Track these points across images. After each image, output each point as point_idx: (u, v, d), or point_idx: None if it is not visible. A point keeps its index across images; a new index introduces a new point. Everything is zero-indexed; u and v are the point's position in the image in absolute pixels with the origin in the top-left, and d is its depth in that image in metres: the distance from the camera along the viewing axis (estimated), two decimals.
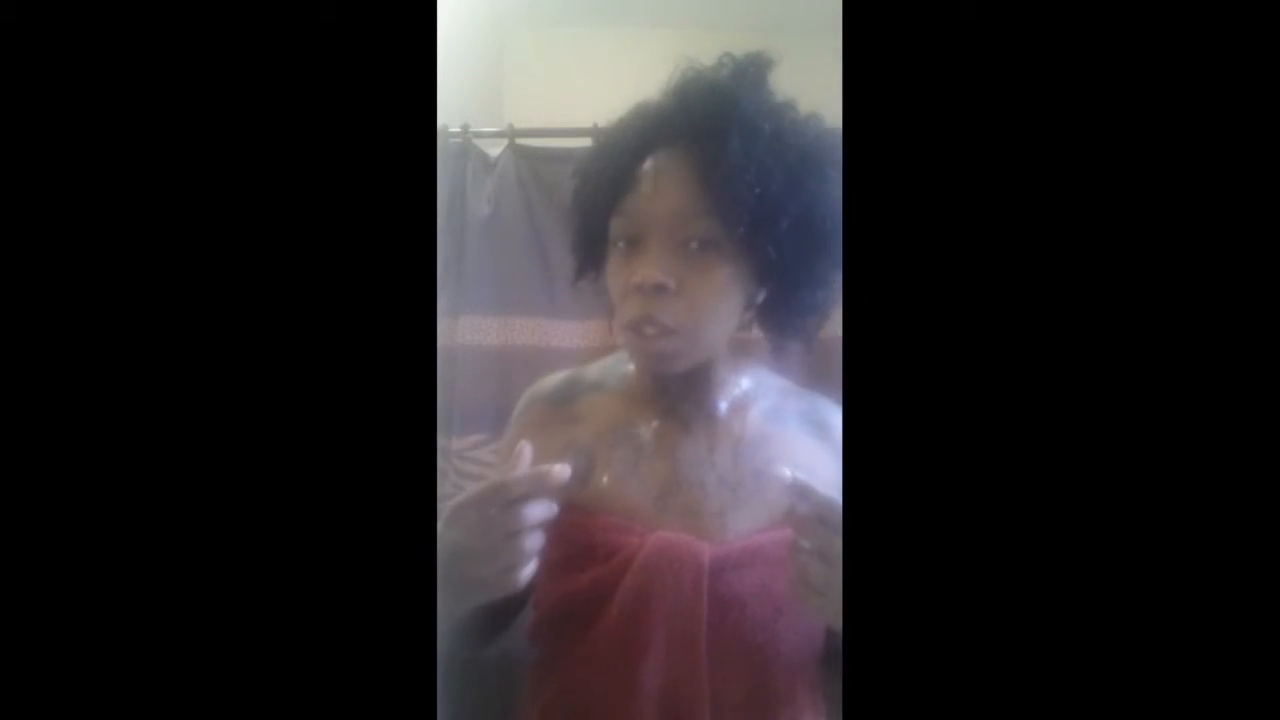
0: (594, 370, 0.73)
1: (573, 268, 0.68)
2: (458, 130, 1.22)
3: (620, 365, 0.72)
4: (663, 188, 0.58)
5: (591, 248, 0.65)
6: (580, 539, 0.61)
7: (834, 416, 0.68)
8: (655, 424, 0.66)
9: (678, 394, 0.65)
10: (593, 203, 0.62)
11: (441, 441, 1.18)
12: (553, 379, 0.73)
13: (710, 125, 0.56)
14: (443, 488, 1.17)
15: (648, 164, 0.59)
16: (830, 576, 0.48)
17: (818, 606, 0.50)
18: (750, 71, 0.60)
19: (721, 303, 0.59)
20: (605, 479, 0.63)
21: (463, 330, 1.20)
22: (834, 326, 0.60)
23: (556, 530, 0.61)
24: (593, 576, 0.59)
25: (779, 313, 0.63)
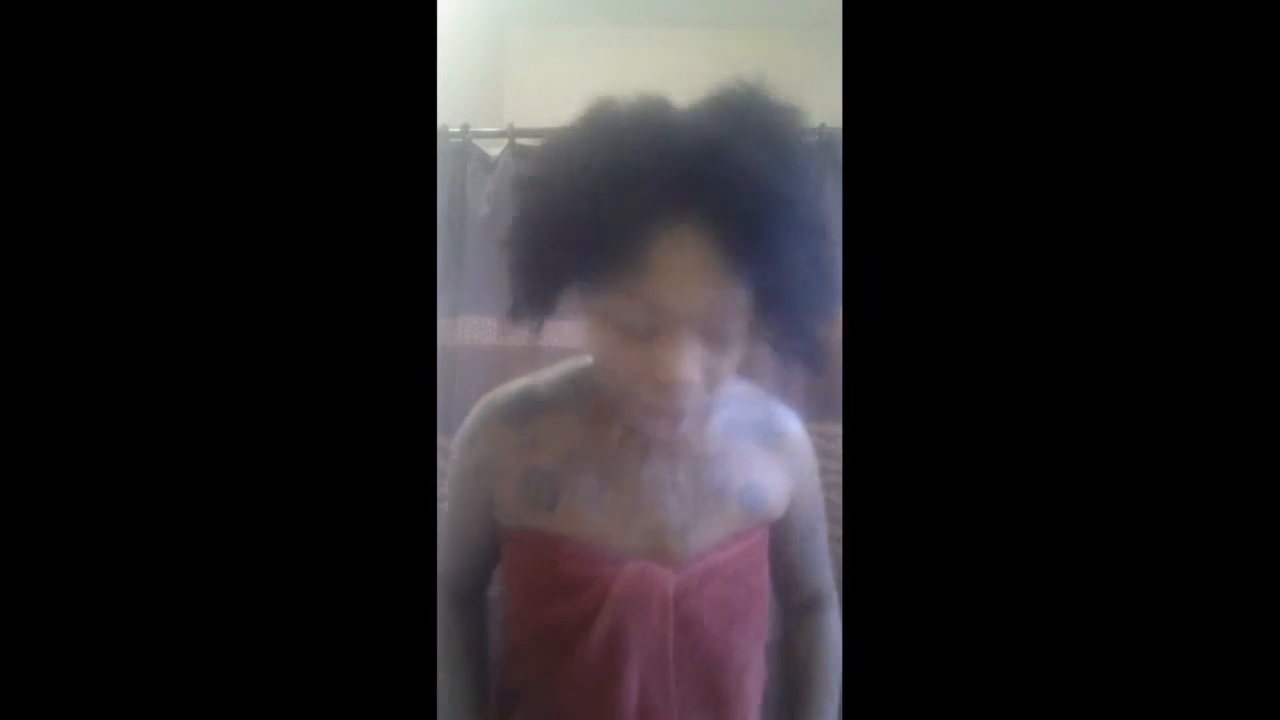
0: (548, 384, 0.69)
1: (513, 309, 0.60)
2: (458, 130, 1.22)
3: (575, 379, 0.68)
4: (689, 276, 0.50)
5: (550, 302, 0.58)
6: (551, 570, 0.62)
7: (791, 425, 0.71)
8: (617, 445, 0.63)
9: (646, 416, 0.60)
10: (572, 270, 0.54)
11: (441, 441, 1.18)
12: (506, 394, 0.69)
13: (728, 192, 0.48)
14: (443, 488, 1.17)
15: (662, 247, 0.50)
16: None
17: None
18: (746, 109, 0.53)
19: (736, 362, 0.57)
20: (571, 506, 0.62)
21: (463, 330, 1.20)
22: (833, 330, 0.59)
23: (526, 560, 0.64)
24: (567, 612, 0.62)
25: (781, 342, 0.59)
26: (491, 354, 1.19)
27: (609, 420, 0.64)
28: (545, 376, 0.70)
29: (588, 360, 0.67)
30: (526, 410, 0.67)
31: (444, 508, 0.72)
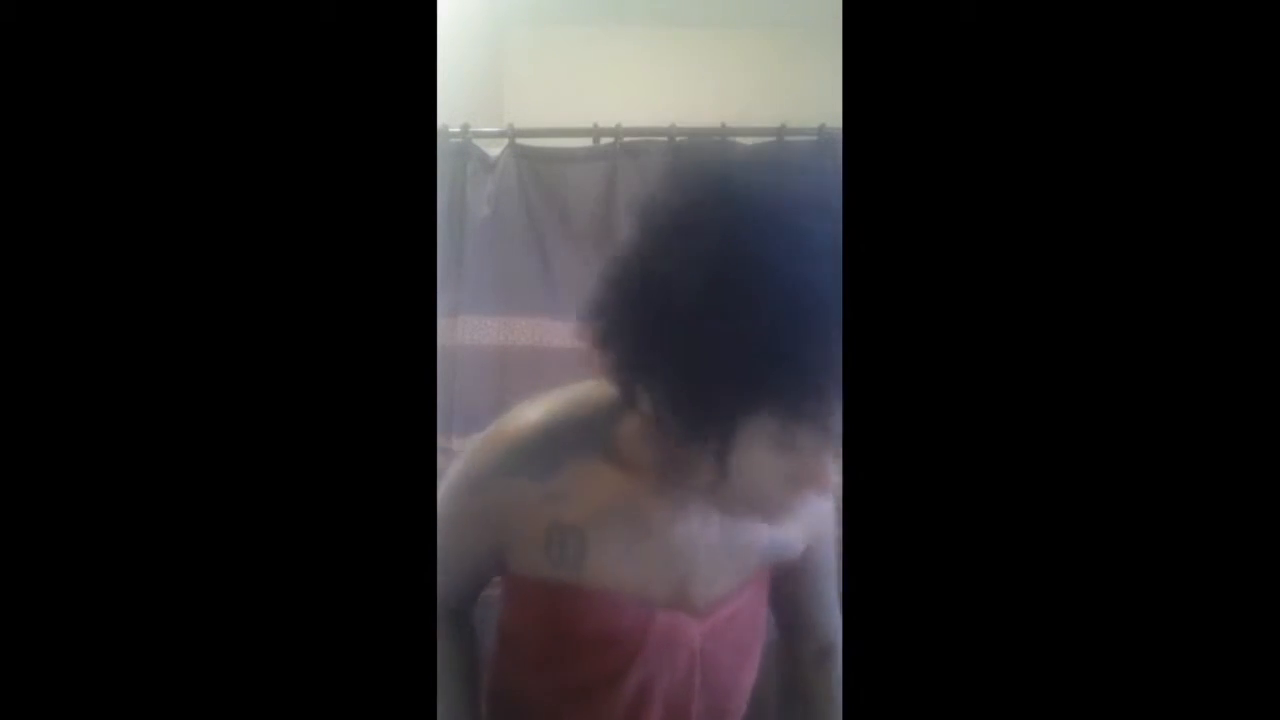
0: (569, 424, 0.61)
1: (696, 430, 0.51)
2: (458, 130, 1.23)
3: (597, 413, 0.60)
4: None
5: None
6: (577, 624, 0.61)
7: None
8: (651, 500, 0.60)
9: (682, 467, 0.57)
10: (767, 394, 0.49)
11: (441, 441, 1.18)
12: (521, 432, 0.60)
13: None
14: (442, 488, 1.17)
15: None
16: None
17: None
18: None
19: None
20: (600, 562, 0.59)
21: (463, 330, 1.20)
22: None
23: (545, 611, 0.62)
24: (596, 666, 0.61)
25: None
26: (491, 354, 1.19)
27: (644, 474, 0.59)
28: (562, 410, 0.62)
29: (606, 387, 0.58)
30: (550, 456, 0.59)
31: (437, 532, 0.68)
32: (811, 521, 0.67)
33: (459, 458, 0.65)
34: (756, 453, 0.51)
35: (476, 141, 1.24)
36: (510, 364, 1.20)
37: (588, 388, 0.62)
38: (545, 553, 0.59)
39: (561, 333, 1.22)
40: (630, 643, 0.60)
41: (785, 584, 0.70)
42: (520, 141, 1.22)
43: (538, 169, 1.23)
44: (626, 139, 1.23)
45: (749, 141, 1.25)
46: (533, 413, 0.61)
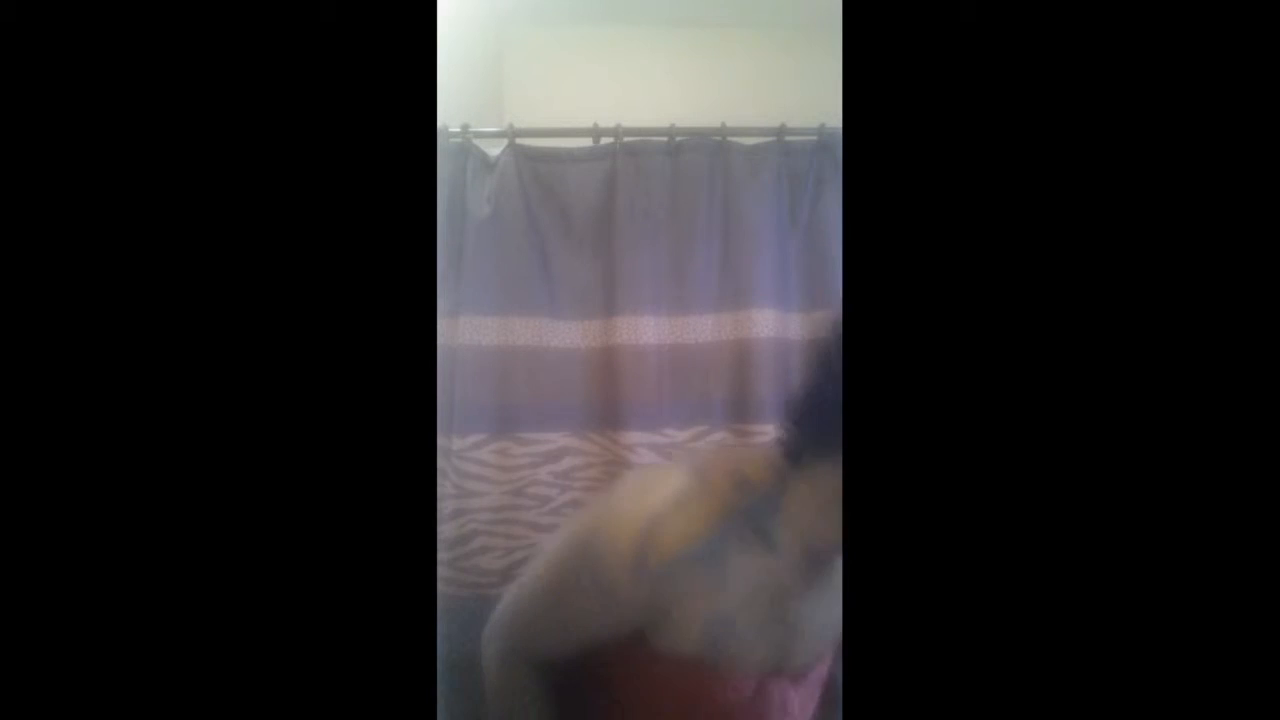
0: (738, 513, 0.60)
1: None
2: (458, 130, 1.23)
3: (769, 510, 0.61)
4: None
5: None
6: (709, 698, 0.63)
7: None
8: (782, 579, 0.62)
9: (828, 553, 0.62)
10: None
11: (441, 441, 1.18)
12: (690, 529, 0.59)
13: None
14: (443, 488, 1.17)
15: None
16: None
17: None
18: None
19: None
20: (740, 642, 0.62)
21: (463, 330, 1.20)
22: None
23: (684, 687, 0.63)
24: None
25: None
26: (491, 354, 1.19)
27: (798, 556, 0.61)
28: (730, 496, 0.61)
29: (776, 475, 0.61)
30: (719, 551, 0.60)
31: (553, 583, 0.66)
32: None
33: (607, 517, 0.63)
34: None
35: (476, 141, 1.24)
36: (510, 364, 1.20)
37: (747, 466, 0.63)
38: (702, 637, 0.61)
39: (561, 333, 1.22)
40: (748, 711, 0.64)
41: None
42: (520, 141, 1.22)
43: (538, 169, 1.23)
44: (626, 139, 1.23)
45: (749, 142, 1.25)
46: (696, 504, 0.61)
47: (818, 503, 0.59)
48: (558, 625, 0.66)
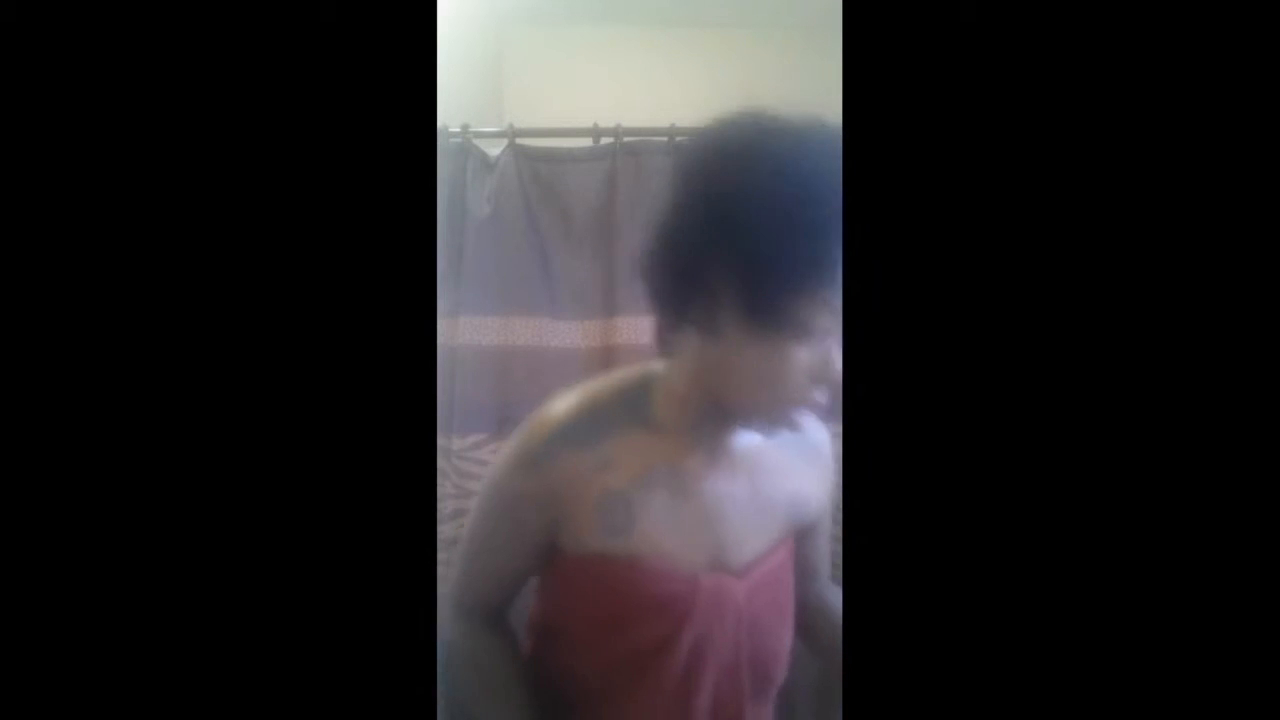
0: (610, 399, 0.66)
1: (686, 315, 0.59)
2: (458, 130, 1.22)
3: (639, 389, 0.66)
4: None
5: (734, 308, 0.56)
6: (631, 594, 0.62)
7: (822, 434, 0.73)
8: (689, 461, 0.64)
9: (714, 428, 0.63)
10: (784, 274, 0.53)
11: (441, 441, 1.18)
12: (568, 411, 0.65)
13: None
14: (443, 488, 1.17)
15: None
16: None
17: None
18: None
19: None
20: (646, 527, 0.62)
21: (463, 330, 1.20)
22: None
23: (599, 585, 0.63)
24: (651, 633, 0.62)
25: None
26: (491, 354, 1.19)
27: (683, 436, 0.63)
28: (603, 388, 0.67)
29: (650, 368, 0.67)
30: (596, 428, 0.63)
31: (477, 529, 0.69)
32: (821, 486, 0.73)
33: (503, 449, 0.67)
34: (768, 344, 0.55)
35: (476, 141, 1.24)
36: (510, 364, 1.20)
37: (621, 371, 0.69)
38: (598, 522, 0.62)
39: (561, 332, 1.22)
40: (681, 606, 0.62)
41: (801, 548, 0.74)
42: (520, 141, 1.22)
43: (538, 169, 1.23)
44: (626, 139, 1.23)
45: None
46: (572, 395, 0.66)
47: (687, 377, 0.61)
48: (492, 570, 0.69)
